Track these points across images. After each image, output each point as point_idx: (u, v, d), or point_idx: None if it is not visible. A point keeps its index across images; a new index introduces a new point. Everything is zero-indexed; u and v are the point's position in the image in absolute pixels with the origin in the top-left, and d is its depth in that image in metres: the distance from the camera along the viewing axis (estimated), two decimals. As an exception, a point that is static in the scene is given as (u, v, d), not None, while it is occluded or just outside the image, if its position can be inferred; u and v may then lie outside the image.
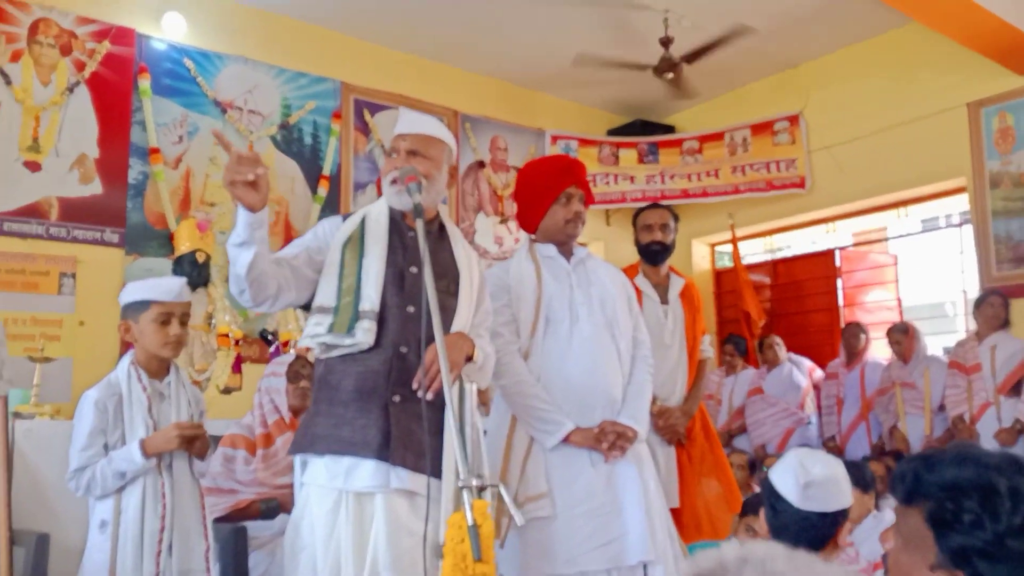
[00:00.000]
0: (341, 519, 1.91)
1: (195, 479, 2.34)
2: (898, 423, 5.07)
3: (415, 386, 1.96)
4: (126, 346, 4.24)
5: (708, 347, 3.50)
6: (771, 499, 1.83)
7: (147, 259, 4.57)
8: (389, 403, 1.98)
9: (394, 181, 2.07)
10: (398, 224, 2.15)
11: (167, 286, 2.34)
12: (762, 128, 6.27)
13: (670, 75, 5.37)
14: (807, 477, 1.77)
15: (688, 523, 3.22)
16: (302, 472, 2.03)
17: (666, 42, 5.35)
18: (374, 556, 1.87)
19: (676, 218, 3.45)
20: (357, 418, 1.97)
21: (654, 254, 3.33)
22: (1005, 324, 4.74)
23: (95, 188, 4.56)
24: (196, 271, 4.34)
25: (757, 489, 4.39)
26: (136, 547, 2.18)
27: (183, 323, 2.33)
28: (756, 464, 5.07)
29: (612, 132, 6.81)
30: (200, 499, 2.34)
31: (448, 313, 2.04)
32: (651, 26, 5.38)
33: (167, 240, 4.66)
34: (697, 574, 0.39)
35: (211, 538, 2.33)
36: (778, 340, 5.82)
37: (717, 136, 6.46)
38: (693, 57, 5.41)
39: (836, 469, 1.81)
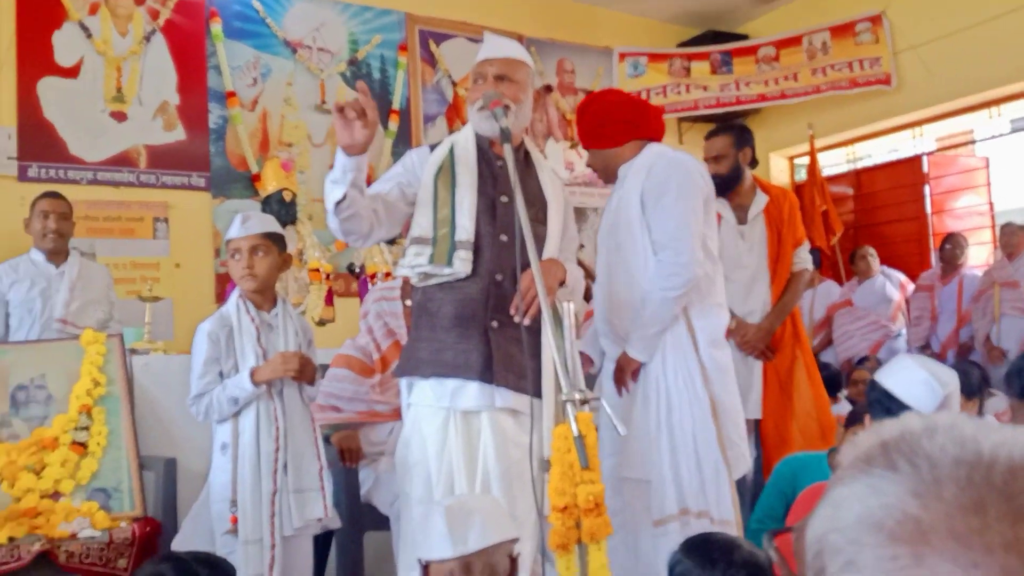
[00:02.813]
0: (451, 435, 2.02)
1: (305, 404, 2.47)
2: (994, 326, 4.89)
3: (512, 312, 2.02)
4: (222, 284, 4.47)
5: (807, 256, 3.37)
6: (893, 410, 1.78)
7: (233, 201, 4.72)
8: (488, 328, 2.06)
9: (481, 107, 2.09)
10: (486, 153, 2.18)
11: (233, 224, 2.44)
12: (843, 30, 5.95)
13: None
14: (946, 389, 1.74)
15: (771, 434, 3.24)
16: (408, 393, 2.14)
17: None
18: (485, 468, 1.98)
19: (743, 133, 3.33)
20: (458, 343, 2.05)
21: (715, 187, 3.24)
22: (1107, 223, 4.51)
23: (179, 134, 4.70)
24: (284, 209, 4.47)
25: (843, 402, 4.36)
26: (254, 466, 2.33)
27: (254, 254, 2.39)
28: (841, 377, 5.01)
29: (682, 46, 6.59)
30: (311, 423, 2.48)
31: (539, 241, 2.08)
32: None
33: (250, 182, 4.80)
34: (883, 442, 0.41)
35: (323, 458, 2.47)
36: (871, 251, 5.63)
37: (795, 40, 6.15)
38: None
39: (954, 376, 1.80)
